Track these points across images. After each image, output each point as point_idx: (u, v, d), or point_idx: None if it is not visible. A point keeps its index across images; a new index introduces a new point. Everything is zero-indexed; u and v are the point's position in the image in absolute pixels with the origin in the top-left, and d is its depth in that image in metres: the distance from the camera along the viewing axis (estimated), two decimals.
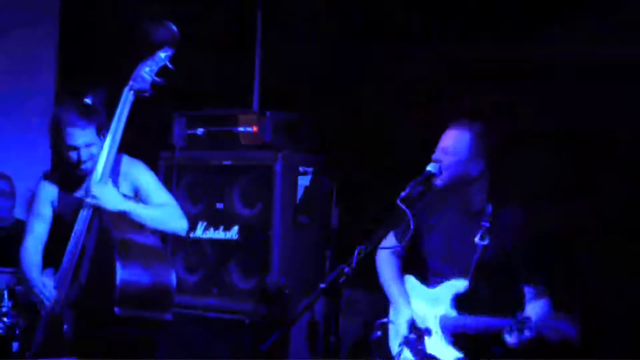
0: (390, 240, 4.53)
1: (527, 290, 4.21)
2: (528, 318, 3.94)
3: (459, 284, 4.28)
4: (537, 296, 4.19)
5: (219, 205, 6.03)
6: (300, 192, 5.91)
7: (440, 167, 4.29)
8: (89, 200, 4.60)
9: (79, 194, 4.72)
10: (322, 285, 3.81)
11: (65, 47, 7.29)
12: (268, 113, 5.96)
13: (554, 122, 5.31)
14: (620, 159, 5.21)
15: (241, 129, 6.00)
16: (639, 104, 5.11)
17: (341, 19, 6.31)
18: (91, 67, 6.97)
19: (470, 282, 4.25)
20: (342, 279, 3.80)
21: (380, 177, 5.71)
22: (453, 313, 4.29)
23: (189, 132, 6.08)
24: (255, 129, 5.95)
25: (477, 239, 4.26)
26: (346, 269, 3.81)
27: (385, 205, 4.30)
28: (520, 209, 4.32)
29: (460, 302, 4.28)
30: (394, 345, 4.47)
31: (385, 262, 4.58)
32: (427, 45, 5.88)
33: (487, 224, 4.27)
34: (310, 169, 5.95)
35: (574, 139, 5.29)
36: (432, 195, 4.40)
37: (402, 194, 4.05)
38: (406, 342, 4.37)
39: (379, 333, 4.50)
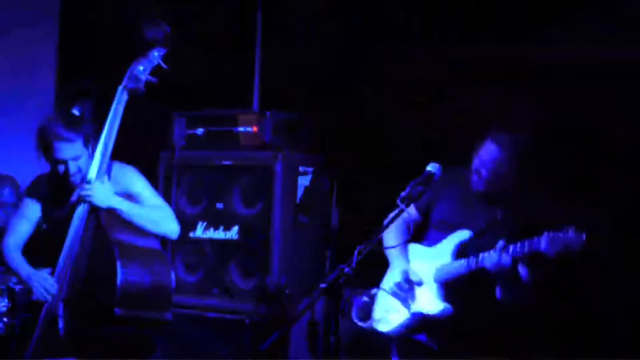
0: (409, 210, 4.64)
1: None
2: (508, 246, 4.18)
3: (463, 234, 4.42)
4: None
5: (219, 205, 6.03)
6: (300, 192, 5.91)
7: (478, 178, 4.49)
8: (82, 193, 4.58)
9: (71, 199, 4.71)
10: (323, 285, 3.81)
11: (65, 47, 7.28)
12: (268, 113, 5.96)
13: (554, 121, 5.31)
14: (620, 158, 5.22)
15: (241, 129, 6.00)
16: (639, 104, 5.11)
17: (341, 19, 6.31)
18: (91, 67, 6.96)
19: (476, 233, 4.41)
20: (342, 279, 3.81)
21: (380, 177, 5.71)
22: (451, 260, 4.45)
23: (189, 132, 6.07)
24: (255, 129, 5.95)
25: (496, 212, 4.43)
26: (346, 269, 3.81)
27: (385, 205, 4.30)
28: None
29: (461, 251, 4.43)
30: (379, 311, 4.51)
31: (391, 230, 4.66)
32: (427, 45, 5.89)
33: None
34: (310, 169, 5.95)
35: (573, 139, 5.30)
36: (450, 176, 4.52)
37: (402, 193, 4.06)
38: (396, 288, 4.50)
39: (366, 299, 4.56)
